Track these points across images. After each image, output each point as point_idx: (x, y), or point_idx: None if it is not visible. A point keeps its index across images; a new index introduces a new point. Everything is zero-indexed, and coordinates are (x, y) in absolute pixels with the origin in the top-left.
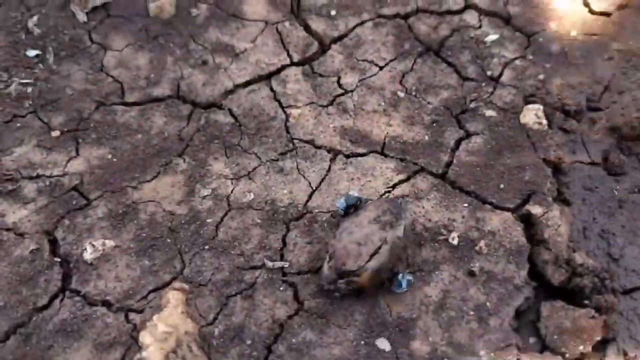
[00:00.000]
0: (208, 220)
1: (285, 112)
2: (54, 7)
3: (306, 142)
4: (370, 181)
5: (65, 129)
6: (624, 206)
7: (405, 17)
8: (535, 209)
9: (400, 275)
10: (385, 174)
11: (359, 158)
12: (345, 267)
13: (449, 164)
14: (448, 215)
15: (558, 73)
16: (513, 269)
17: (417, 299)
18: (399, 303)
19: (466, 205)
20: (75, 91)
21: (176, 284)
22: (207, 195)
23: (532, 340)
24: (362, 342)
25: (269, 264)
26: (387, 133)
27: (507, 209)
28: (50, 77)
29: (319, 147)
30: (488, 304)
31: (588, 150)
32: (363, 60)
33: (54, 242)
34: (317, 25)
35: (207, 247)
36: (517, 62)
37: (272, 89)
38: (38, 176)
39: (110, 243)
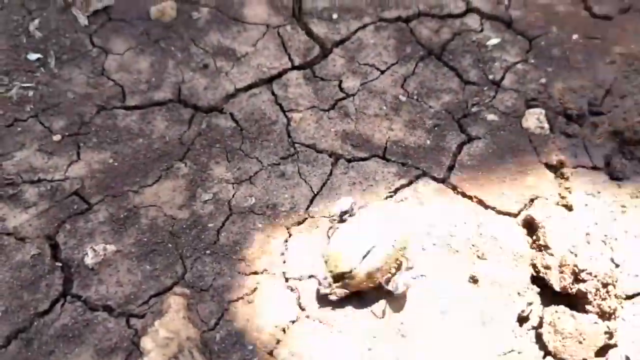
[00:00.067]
0: (209, 225)
1: (286, 116)
2: (55, 10)
3: (307, 146)
4: (372, 186)
5: (67, 133)
6: (627, 211)
7: (407, 20)
8: (538, 214)
9: (397, 277)
10: (387, 178)
11: (361, 162)
12: (337, 270)
13: (450, 169)
14: (450, 220)
15: (560, 77)
16: (515, 274)
17: (420, 305)
18: (402, 309)
19: (468, 210)
20: (77, 95)
21: (177, 289)
22: (208, 200)
23: (534, 346)
24: (365, 349)
25: (271, 269)
26: (389, 137)
27: (510, 214)
28: (51, 81)
29: (321, 152)
30: (490, 309)
31: (590, 155)
32: (364, 64)
33: (55, 247)
34: (319, 29)
35: (208, 251)
36: (519, 66)
37: (273, 93)
38: (39, 180)
39: (111, 248)
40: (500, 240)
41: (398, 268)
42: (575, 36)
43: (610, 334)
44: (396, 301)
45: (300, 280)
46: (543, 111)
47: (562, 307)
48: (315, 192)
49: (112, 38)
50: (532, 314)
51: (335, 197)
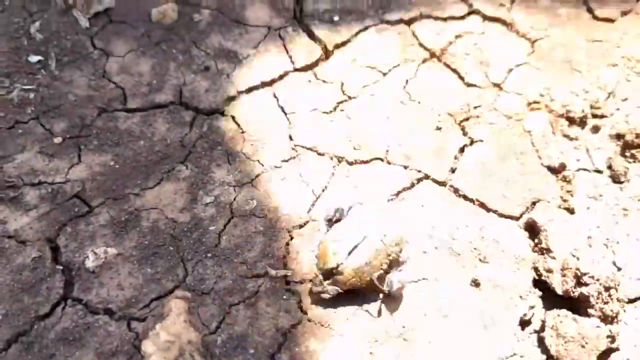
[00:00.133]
0: (211, 228)
1: (288, 118)
2: (56, 12)
3: (309, 149)
4: (373, 188)
5: (68, 136)
6: (629, 214)
7: (409, 22)
8: (540, 217)
9: (390, 275)
10: (389, 181)
11: (362, 165)
12: (326, 266)
13: (452, 171)
14: (452, 223)
15: (562, 79)
16: (517, 278)
17: (421, 308)
18: (403, 312)
19: (470, 212)
20: (78, 97)
21: (179, 293)
22: (209, 203)
23: (536, 350)
24: (367, 352)
25: (272, 272)
26: (391, 140)
27: (511, 217)
28: (52, 83)
29: (322, 154)
30: (492, 313)
31: (592, 158)
32: (366, 67)
33: (55, 250)
34: (320, 31)
35: (209, 255)
36: (521, 68)
37: (275, 95)
38: (40, 183)
39: (112, 251)
40: (502, 244)
41: (390, 266)
42: (577, 39)
43: (612, 338)
44: (393, 300)
45: (301, 283)
46: (545, 114)
47: (564, 311)
48: (317, 195)
49: (113, 40)
50: (534, 317)
51: (336, 200)
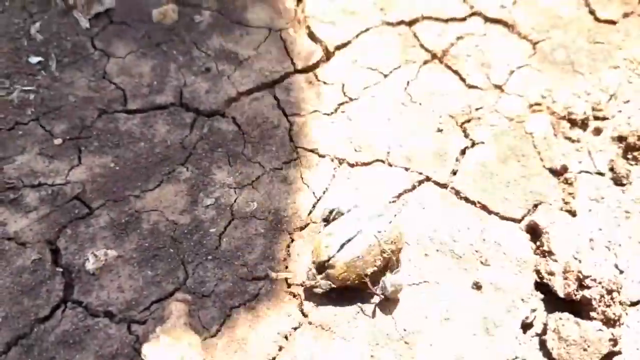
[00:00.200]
0: (211, 230)
1: (289, 120)
2: (57, 13)
3: (310, 150)
4: (374, 190)
5: (68, 137)
6: (631, 217)
7: (410, 24)
8: (541, 220)
9: (384, 278)
10: (390, 183)
11: (363, 167)
12: (318, 259)
13: (454, 174)
14: (453, 226)
15: (564, 81)
16: (519, 281)
17: (423, 311)
18: (404, 315)
19: (471, 215)
20: (78, 98)
21: (179, 295)
22: (210, 205)
23: (538, 353)
24: (368, 355)
25: (273, 274)
26: (392, 142)
27: (513, 220)
28: (52, 84)
29: (323, 156)
30: (494, 316)
31: (594, 160)
32: (367, 68)
33: (55, 252)
34: (321, 32)
35: (210, 257)
36: (523, 70)
37: (275, 97)
38: (40, 185)
39: (112, 253)
40: (504, 246)
41: (386, 265)
42: (579, 40)
43: (614, 341)
44: (389, 304)
45: (302, 286)
46: (547, 116)
47: (566, 314)
48: (318, 197)
49: (114, 41)
50: (536, 320)
51: (338, 202)
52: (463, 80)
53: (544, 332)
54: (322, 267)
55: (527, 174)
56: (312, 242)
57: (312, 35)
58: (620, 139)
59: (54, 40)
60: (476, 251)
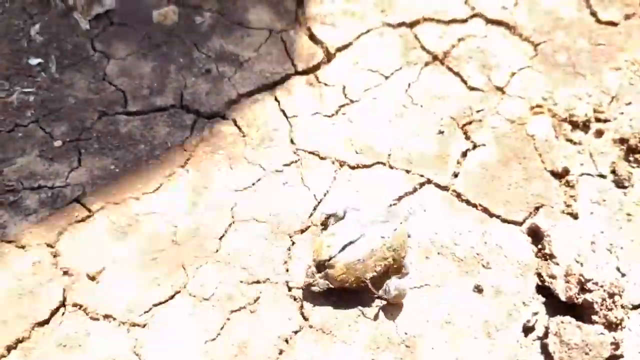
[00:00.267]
0: (211, 233)
1: (289, 122)
2: (56, 14)
3: (311, 152)
4: (375, 193)
5: (68, 139)
6: (633, 219)
7: (411, 25)
8: (543, 223)
9: (388, 281)
10: (391, 185)
11: (364, 169)
12: (319, 258)
13: (455, 176)
14: (454, 229)
15: (565, 83)
16: (520, 284)
17: (424, 314)
18: (405, 318)
19: (473, 218)
20: (78, 100)
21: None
22: (210, 207)
23: (540, 357)
24: (369, 358)
25: (273, 277)
26: (393, 144)
27: (515, 222)
28: (52, 86)
29: (324, 158)
30: (495, 319)
31: (595, 162)
32: (368, 70)
33: (55, 255)
34: (322, 33)
35: (210, 260)
36: (524, 72)
37: (276, 99)
38: (40, 187)
39: (112, 256)
40: (505, 249)
41: (388, 270)
42: (580, 42)
43: (616, 345)
44: (392, 308)
45: (303, 289)
46: (548, 118)
47: (567, 318)
48: (319, 200)
49: (114, 42)
50: (537, 324)
51: (339, 205)
52: (464, 82)
53: (546, 335)
54: (322, 266)
55: (529, 177)
56: (313, 244)
57: (312, 37)
58: (622, 141)
59: (54, 42)
60: (477, 254)
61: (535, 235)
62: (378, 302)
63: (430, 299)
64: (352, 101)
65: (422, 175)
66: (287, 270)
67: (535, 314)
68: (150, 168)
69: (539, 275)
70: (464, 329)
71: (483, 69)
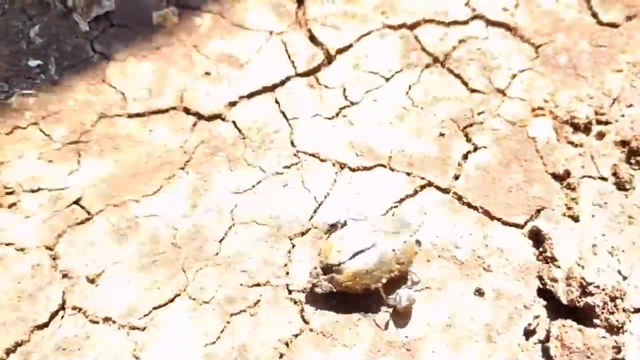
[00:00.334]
0: (211, 236)
1: (289, 124)
2: (56, 16)
3: (311, 155)
4: (376, 195)
5: (67, 141)
6: (634, 222)
7: (412, 27)
8: (544, 225)
9: (400, 290)
10: (392, 188)
11: (365, 172)
12: (327, 261)
13: (456, 178)
14: (455, 231)
15: (566, 85)
16: (522, 287)
17: (425, 317)
18: (406, 322)
19: (474, 220)
20: (77, 102)
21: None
22: (210, 210)
23: None
24: None
25: (274, 280)
26: (394, 146)
27: (516, 225)
28: (52, 88)
29: (324, 160)
30: (496, 323)
31: (597, 165)
32: (369, 72)
33: (55, 257)
34: (323, 35)
35: (210, 263)
36: (525, 74)
37: (276, 101)
38: (39, 189)
39: (112, 258)
40: (506, 252)
41: (390, 282)
42: (581, 44)
43: (618, 349)
44: (400, 316)
45: (303, 292)
46: (549, 120)
47: (569, 321)
48: (319, 202)
49: (114, 44)
50: (538, 327)
51: (339, 207)
52: (465, 84)
53: (547, 339)
54: (329, 269)
55: (530, 179)
56: (314, 247)
57: (313, 39)
58: (624, 143)
59: (54, 44)
60: (478, 257)
61: (537, 238)
62: (383, 308)
63: (431, 302)
64: (352, 103)
65: (422, 178)
66: (288, 273)
67: (537, 317)
68: (149, 170)
69: (540, 278)
70: (465, 333)
71: (484, 71)
